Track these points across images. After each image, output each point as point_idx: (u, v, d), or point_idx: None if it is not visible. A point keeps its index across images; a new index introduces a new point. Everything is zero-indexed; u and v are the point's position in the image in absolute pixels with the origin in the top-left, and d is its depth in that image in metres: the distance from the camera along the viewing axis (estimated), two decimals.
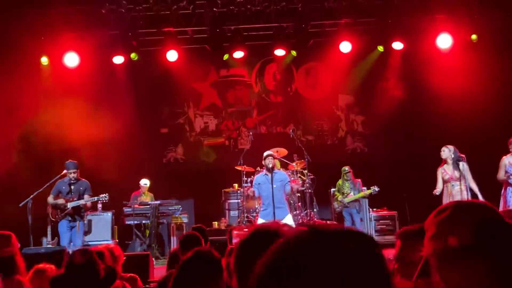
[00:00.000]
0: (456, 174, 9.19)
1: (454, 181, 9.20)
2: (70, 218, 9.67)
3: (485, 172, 9.38)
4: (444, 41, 12.00)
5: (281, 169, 10.76)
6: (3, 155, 11.44)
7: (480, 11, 11.68)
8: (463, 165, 9.23)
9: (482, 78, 11.97)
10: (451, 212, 1.59)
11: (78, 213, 9.76)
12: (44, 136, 11.67)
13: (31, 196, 9.63)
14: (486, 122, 11.73)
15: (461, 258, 1.50)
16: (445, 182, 9.32)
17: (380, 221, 11.99)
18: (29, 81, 12.03)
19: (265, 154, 9.25)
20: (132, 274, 5.12)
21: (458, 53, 12.31)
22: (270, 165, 8.99)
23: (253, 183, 9.60)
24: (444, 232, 1.54)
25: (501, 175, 9.03)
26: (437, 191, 9.32)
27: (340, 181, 11.69)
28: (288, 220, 9.04)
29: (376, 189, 11.31)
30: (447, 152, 9.37)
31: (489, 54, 11.99)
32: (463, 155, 9.26)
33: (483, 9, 11.65)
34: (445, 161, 9.42)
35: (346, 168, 11.60)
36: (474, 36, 11.88)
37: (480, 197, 9.02)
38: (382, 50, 12.61)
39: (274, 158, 9.34)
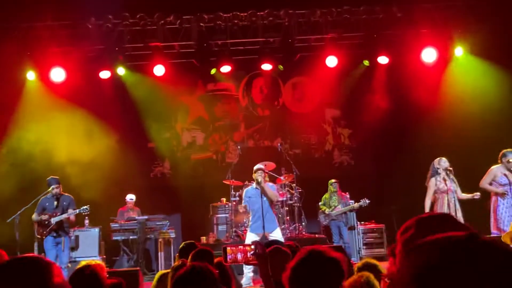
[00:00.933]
0: (447, 186, 9.21)
1: (445, 194, 9.22)
2: (55, 234, 9.59)
3: (471, 185, 9.44)
4: (429, 55, 12.15)
5: (271, 182, 10.77)
6: None
7: (464, 24, 11.83)
8: (452, 178, 9.29)
9: (467, 91, 12.12)
10: (416, 231, 1.59)
11: (62, 228, 9.68)
12: (29, 152, 11.59)
13: (18, 212, 9.58)
14: (472, 134, 11.84)
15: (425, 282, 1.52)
16: (441, 193, 9.30)
17: (368, 234, 12.02)
18: (14, 96, 11.96)
19: (255, 167, 9.26)
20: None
21: (442, 66, 12.48)
22: (260, 179, 8.99)
23: (243, 197, 9.58)
24: (409, 254, 1.56)
25: (485, 182, 9.05)
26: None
27: (326, 195, 11.71)
28: (277, 233, 9.04)
29: (367, 201, 11.34)
30: (446, 162, 9.37)
31: (473, 67, 12.17)
32: (450, 168, 9.32)
33: (467, 22, 11.81)
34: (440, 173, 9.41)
35: (333, 180, 11.64)
36: (459, 50, 12.05)
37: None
38: (368, 64, 12.72)
39: (264, 171, 9.34)
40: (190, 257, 4.88)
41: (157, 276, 4.84)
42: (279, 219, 11.43)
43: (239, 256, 3.51)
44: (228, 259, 3.52)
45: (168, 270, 4.88)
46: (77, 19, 11.69)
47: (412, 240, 1.56)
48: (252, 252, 3.44)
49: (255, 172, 9.13)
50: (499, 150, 9.18)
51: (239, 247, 3.54)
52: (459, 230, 1.55)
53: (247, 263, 3.57)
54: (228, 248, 3.53)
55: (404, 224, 1.64)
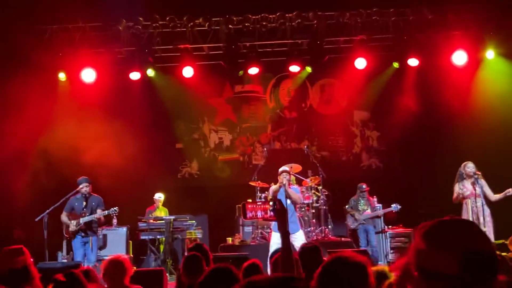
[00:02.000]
0: (474, 190, 9.11)
1: (473, 197, 9.12)
2: (83, 234, 9.75)
3: (499, 189, 9.30)
4: (460, 57, 11.96)
5: (295, 185, 10.75)
6: (21, 169, 11.58)
7: (496, 27, 11.64)
8: (481, 182, 9.18)
9: (498, 95, 11.92)
10: (439, 234, 1.56)
11: (90, 228, 9.84)
12: (59, 152, 11.77)
13: (47, 211, 9.74)
14: (503, 138, 11.67)
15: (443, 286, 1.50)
16: (464, 198, 9.22)
17: (396, 239, 11.90)
18: (46, 97, 12.17)
19: (280, 169, 9.26)
20: (138, 286, 5.10)
21: (473, 69, 12.28)
22: (285, 181, 8.98)
23: (269, 192, 9.61)
24: (430, 254, 1.54)
25: None
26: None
27: (351, 199, 11.62)
28: (299, 235, 9.01)
29: (398, 206, 11.25)
30: (473, 167, 9.28)
31: (504, 70, 11.97)
32: (479, 172, 9.20)
33: (499, 25, 11.61)
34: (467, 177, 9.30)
35: (364, 186, 11.53)
36: (490, 53, 11.86)
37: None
38: (398, 67, 12.59)
39: (289, 174, 9.33)
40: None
41: None
42: (305, 222, 11.41)
43: (259, 214, 3.54)
44: (248, 216, 3.55)
45: None
46: (108, 21, 11.85)
47: (434, 243, 1.56)
48: (271, 209, 3.47)
49: (280, 174, 9.13)
50: None
51: (258, 203, 3.57)
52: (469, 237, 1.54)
53: (267, 219, 3.60)
54: (249, 206, 3.55)
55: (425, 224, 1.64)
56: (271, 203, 3.48)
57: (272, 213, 3.48)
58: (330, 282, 2.39)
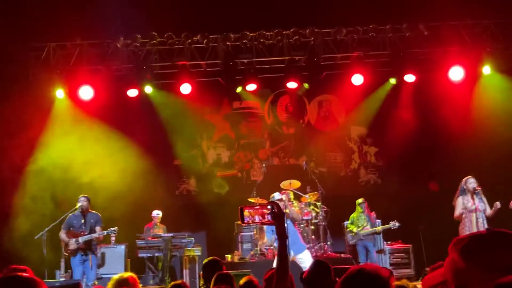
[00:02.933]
0: (475, 205, 9.12)
1: (473, 213, 9.12)
2: (82, 252, 9.69)
3: (502, 202, 9.30)
4: (456, 73, 12.03)
5: (295, 201, 10.72)
6: (18, 187, 11.53)
7: (492, 43, 11.73)
8: (482, 197, 9.19)
9: (495, 110, 11.99)
10: (479, 250, 1.51)
11: (89, 247, 9.78)
12: (57, 169, 11.74)
13: (46, 229, 9.71)
14: (500, 153, 11.70)
15: None
16: (469, 212, 9.20)
17: (395, 254, 11.87)
18: (43, 114, 12.16)
19: (275, 198, 9.16)
20: None
21: (470, 85, 12.35)
22: (284, 198, 8.94)
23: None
24: (470, 272, 1.48)
25: None
26: None
27: (354, 214, 11.61)
28: (305, 255, 8.90)
29: (397, 224, 11.23)
30: (474, 182, 9.28)
31: (501, 86, 12.04)
32: (479, 187, 9.21)
33: (495, 41, 11.70)
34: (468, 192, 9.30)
35: (361, 200, 11.54)
36: (486, 69, 11.94)
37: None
38: (395, 83, 12.65)
39: (284, 201, 9.26)
40: (213, 280, 4.90)
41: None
42: (304, 238, 11.36)
43: (257, 218, 3.51)
44: (245, 221, 3.51)
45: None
46: (106, 38, 11.89)
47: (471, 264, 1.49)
48: (269, 213, 3.44)
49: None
50: None
51: (256, 208, 3.53)
52: None
53: (264, 223, 3.56)
54: (246, 211, 3.51)
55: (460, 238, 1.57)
56: (269, 206, 3.45)
57: (270, 217, 3.45)
58: None
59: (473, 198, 9.18)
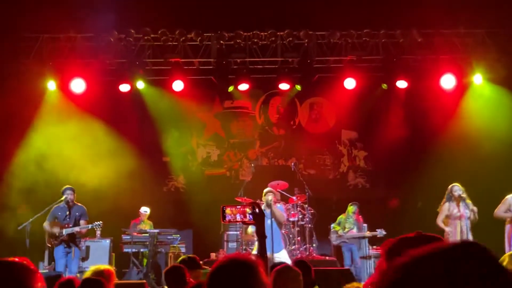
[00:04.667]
0: (460, 212, 9.17)
1: (458, 220, 9.18)
2: (65, 245, 9.67)
3: (486, 211, 9.37)
4: (448, 81, 12.10)
5: (281, 202, 10.74)
6: (4, 177, 11.51)
7: (484, 52, 11.81)
8: (467, 204, 9.25)
9: (485, 119, 12.07)
10: (401, 252, 1.54)
11: (73, 240, 9.76)
12: (46, 161, 11.71)
13: (30, 220, 9.68)
14: (488, 161, 11.78)
15: None
16: (454, 219, 9.26)
17: (380, 259, 11.90)
18: (35, 105, 12.14)
19: (265, 190, 9.24)
20: None
21: (461, 93, 12.43)
22: (270, 198, 8.98)
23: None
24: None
25: (500, 211, 9.09)
26: None
27: (343, 216, 11.61)
28: (282, 254, 8.97)
29: (383, 232, 11.27)
30: (459, 190, 9.34)
31: (492, 95, 12.13)
32: (464, 195, 9.27)
33: (487, 51, 11.78)
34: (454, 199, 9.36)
35: (354, 203, 11.53)
36: (478, 78, 12.03)
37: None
38: (386, 88, 12.69)
39: (274, 194, 9.30)
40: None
41: None
42: (290, 240, 11.39)
43: (238, 217, 3.55)
44: (226, 219, 3.55)
45: None
46: (100, 32, 11.86)
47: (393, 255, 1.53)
48: (250, 212, 3.48)
49: (265, 195, 9.11)
50: None
51: (238, 207, 3.58)
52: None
53: (245, 223, 3.61)
54: (228, 209, 3.55)
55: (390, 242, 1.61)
56: (250, 206, 3.49)
57: (251, 216, 3.49)
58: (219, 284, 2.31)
59: (458, 205, 9.24)
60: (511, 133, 11.69)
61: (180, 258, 5.77)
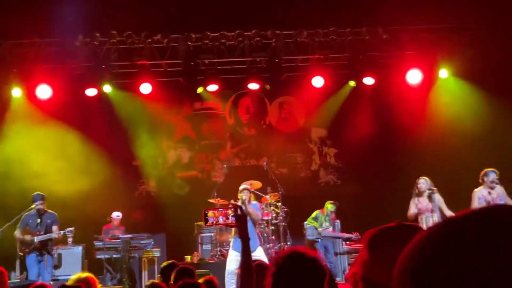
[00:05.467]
0: (430, 206, 9.30)
1: (428, 213, 9.30)
2: (37, 253, 9.51)
3: (455, 204, 9.51)
4: (414, 76, 12.29)
5: (255, 201, 10.74)
6: None
7: (449, 47, 12.02)
8: (437, 197, 9.36)
9: (451, 113, 12.29)
10: (382, 243, 1.57)
11: (45, 247, 9.60)
12: (13, 168, 11.50)
13: (1, 229, 9.48)
14: (456, 155, 12.00)
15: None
16: (420, 213, 9.38)
17: (353, 254, 11.99)
18: (0, 113, 11.92)
19: (241, 187, 9.26)
20: None
21: (427, 88, 12.63)
22: (245, 197, 8.99)
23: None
24: (373, 264, 1.52)
25: (474, 206, 9.22)
26: None
27: (319, 212, 11.59)
28: (259, 252, 9.01)
29: (359, 236, 11.35)
30: (425, 183, 9.45)
31: (457, 89, 12.37)
32: (435, 188, 9.40)
33: (452, 45, 12.00)
34: (421, 192, 9.48)
35: (333, 202, 11.55)
36: (443, 72, 12.25)
37: None
38: (354, 85, 12.83)
39: (250, 191, 9.34)
40: (173, 275, 4.88)
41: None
42: (264, 239, 11.40)
43: (221, 219, 3.54)
44: (209, 222, 3.55)
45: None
46: (64, 36, 11.69)
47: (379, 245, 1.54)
48: (232, 215, 3.48)
49: (240, 192, 9.13)
50: (481, 170, 9.33)
51: (220, 210, 3.58)
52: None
53: (228, 225, 3.62)
54: (210, 212, 3.54)
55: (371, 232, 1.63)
56: (232, 209, 3.50)
57: (233, 218, 3.49)
58: (286, 277, 2.38)
59: (426, 199, 9.38)
60: (476, 126, 11.93)
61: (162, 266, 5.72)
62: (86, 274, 4.72)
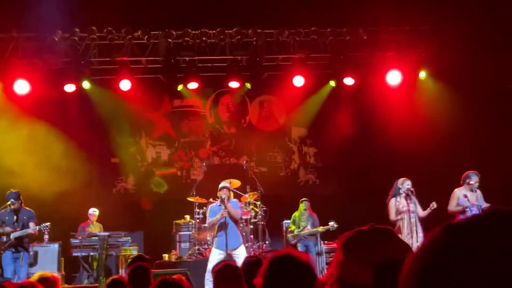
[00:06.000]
0: (411, 206, 9.37)
1: (410, 213, 9.37)
2: (13, 250, 9.39)
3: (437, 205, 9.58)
4: (394, 77, 12.38)
5: (235, 199, 10.73)
6: None
7: (428, 48, 12.13)
8: (414, 199, 9.44)
9: (430, 114, 12.41)
10: (356, 244, 1.62)
11: (21, 244, 9.49)
12: None
13: None
14: (436, 155, 12.13)
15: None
16: (401, 213, 9.44)
17: (331, 254, 12.03)
18: None
19: (220, 185, 9.26)
20: None
21: (407, 89, 12.72)
22: (224, 197, 8.99)
23: (208, 213, 9.61)
24: (348, 265, 1.56)
25: (452, 206, 9.33)
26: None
27: (297, 213, 11.63)
28: (241, 250, 9.01)
29: (335, 225, 11.36)
30: (409, 184, 9.49)
31: (436, 90, 12.49)
32: (412, 189, 9.47)
33: (431, 47, 12.11)
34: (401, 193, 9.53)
35: (303, 199, 11.59)
36: (422, 74, 12.37)
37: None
38: (334, 85, 12.89)
39: (229, 190, 9.34)
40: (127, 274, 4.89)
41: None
42: (243, 237, 11.39)
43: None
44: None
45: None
46: (43, 31, 11.53)
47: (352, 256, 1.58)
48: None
49: (220, 190, 9.12)
50: (460, 171, 9.43)
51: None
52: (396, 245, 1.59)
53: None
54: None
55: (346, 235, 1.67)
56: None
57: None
58: (276, 280, 2.39)
59: (406, 200, 9.43)
60: (455, 127, 12.06)
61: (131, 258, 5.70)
62: (49, 274, 4.69)
